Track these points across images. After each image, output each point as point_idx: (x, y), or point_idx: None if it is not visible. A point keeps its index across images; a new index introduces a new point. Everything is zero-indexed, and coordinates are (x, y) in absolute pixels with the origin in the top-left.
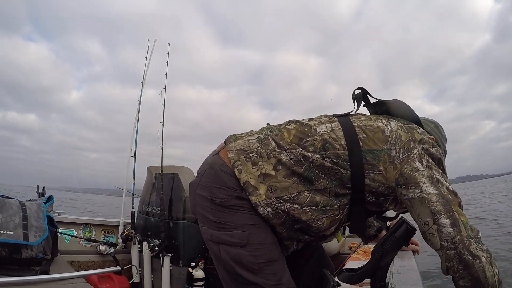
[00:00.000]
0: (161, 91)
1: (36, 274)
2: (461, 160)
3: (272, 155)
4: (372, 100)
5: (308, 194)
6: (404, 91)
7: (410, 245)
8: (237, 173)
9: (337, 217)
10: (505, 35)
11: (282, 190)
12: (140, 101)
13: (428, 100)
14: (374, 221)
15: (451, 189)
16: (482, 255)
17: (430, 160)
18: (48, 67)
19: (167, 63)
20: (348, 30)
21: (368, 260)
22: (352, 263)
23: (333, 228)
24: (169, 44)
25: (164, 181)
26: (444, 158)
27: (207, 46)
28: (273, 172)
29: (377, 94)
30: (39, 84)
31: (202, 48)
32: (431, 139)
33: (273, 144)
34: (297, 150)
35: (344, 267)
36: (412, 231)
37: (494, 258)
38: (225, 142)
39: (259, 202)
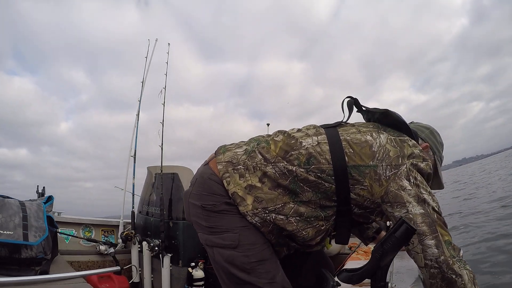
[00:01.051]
0: (161, 91)
1: (36, 274)
2: (454, 145)
3: (258, 168)
4: (364, 108)
5: (293, 206)
6: (390, 84)
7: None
8: (225, 184)
9: (322, 228)
10: (481, 17)
11: (268, 201)
12: (140, 101)
13: (415, 90)
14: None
15: (437, 208)
16: (464, 274)
17: (418, 176)
18: (34, 100)
19: (167, 63)
20: (327, 31)
21: (368, 260)
22: (352, 263)
23: (319, 238)
24: (169, 44)
25: (164, 181)
26: (441, 164)
27: (190, 64)
28: (259, 184)
29: (363, 90)
30: (27, 119)
31: (186, 66)
32: (423, 147)
33: (260, 157)
34: (281, 164)
35: (344, 267)
36: (412, 231)
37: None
38: (215, 153)
39: (246, 212)
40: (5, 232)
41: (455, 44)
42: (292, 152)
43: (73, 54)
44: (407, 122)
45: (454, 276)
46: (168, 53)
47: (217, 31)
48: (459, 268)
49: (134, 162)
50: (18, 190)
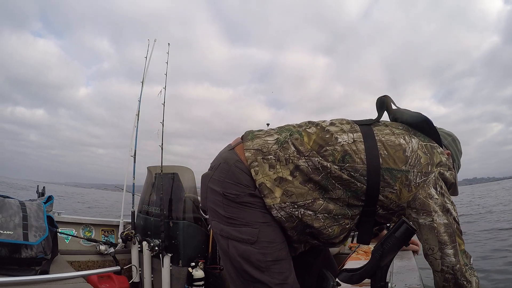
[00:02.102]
0: (161, 91)
1: (36, 274)
2: (467, 163)
3: (290, 160)
4: (394, 107)
5: (322, 202)
6: (412, 92)
7: (410, 245)
8: (253, 173)
9: (347, 226)
10: None
11: (298, 196)
12: (140, 101)
13: (436, 101)
14: None
15: (457, 219)
16: (473, 281)
17: (443, 186)
18: (57, 63)
19: (167, 63)
20: (356, 29)
21: (368, 260)
22: (352, 263)
23: (342, 237)
24: (169, 44)
25: (164, 181)
26: (458, 172)
27: (215, 44)
28: (290, 177)
29: (383, 93)
30: (48, 80)
31: (211, 46)
32: (447, 154)
33: (293, 148)
34: (316, 159)
35: (344, 267)
36: (412, 231)
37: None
38: (242, 138)
39: (273, 205)
40: (5, 232)
41: (483, 60)
42: (327, 148)
43: (99, 22)
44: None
45: (465, 283)
46: (168, 53)
47: (244, 15)
48: (470, 275)
49: (134, 162)
50: (32, 149)
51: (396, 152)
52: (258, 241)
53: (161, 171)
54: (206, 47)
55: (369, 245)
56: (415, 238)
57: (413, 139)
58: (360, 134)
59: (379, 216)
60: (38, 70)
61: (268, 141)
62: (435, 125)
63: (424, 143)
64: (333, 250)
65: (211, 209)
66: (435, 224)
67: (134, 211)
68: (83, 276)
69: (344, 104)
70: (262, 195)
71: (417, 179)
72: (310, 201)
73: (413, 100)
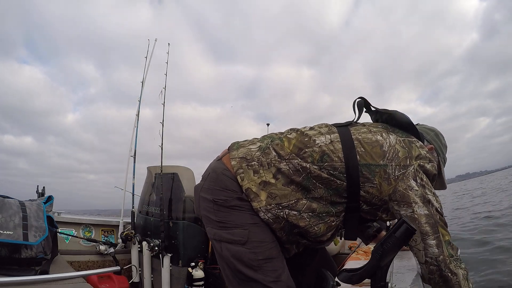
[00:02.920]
0: (161, 91)
1: (36, 274)
2: (458, 159)
3: (272, 164)
4: (373, 109)
5: (305, 202)
6: (398, 95)
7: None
8: (239, 180)
9: (333, 223)
10: (492, 33)
11: (281, 197)
12: (140, 101)
13: (422, 103)
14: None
15: (440, 209)
16: (459, 272)
17: (424, 177)
18: (43, 90)
19: (167, 63)
20: (338, 39)
21: (368, 260)
22: (352, 263)
23: (330, 234)
24: (169, 44)
25: (163, 181)
26: (444, 166)
27: (200, 63)
28: (273, 180)
29: (370, 100)
30: (35, 107)
31: (196, 65)
32: (429, 149)
33: (274, 153)
34: (296, 161)
35: (344, 267)
36: (412, 231)
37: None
38: (228, 149)
39: (260, 207)
40: (5, 232)
41: (465, 58)
42: (306, 150)
43: (84, 47)
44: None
45: (450, 274)
46: (168, 53)
47: (228, 33)
48: (455, 267)
49: (134, 162)
50: (21, 177)
51: (373, 148)
52: (249, 241)
53: (161, 171)
54: (191, 66)
55: (369, 245)
56: None
57: (390, 135)
58: (337, 134)
59: (365, 212)
60: (25, 98)
61: (252, 149)
62: (418, 122)
63: (402, 138)
64: (333, 250)
65: (204, 216)
66: (415, 215)
67: (134, 211)
68: (83, 276)
69: (333, 113)
70: (249, 199)
71: (396, 172)
72: (293, 201)
73: (400, 103)
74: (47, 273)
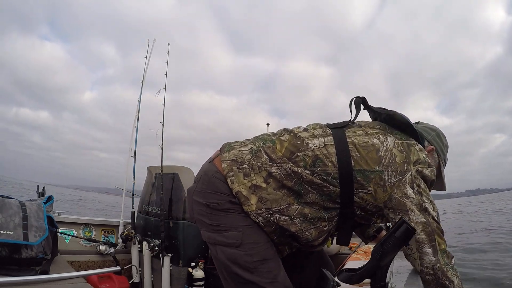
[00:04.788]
0: (159, 90)
1: (36, 274)
2: (470, 174)
3: (263, 168)
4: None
5: (297, 207)
6: (415, 102)
7: None
8: (229, 183)
9: (325, 229)
10: None
11: (272, 202)
12: (140, 101)
13: (439, 112)
14: None
15: (436, 218)
16: (456, 280)
17: (422, 184)
18: (63, 67)
19: (167, 63)
20: (359, 39)
21: (368, 260)
22: (352, 263)
23: (322, 239)
24: (169, 44)
25: (164, 181)
26: (444, 167)
27: (220, 53)
28: (263, 184)
29: (386, 103)
30: (53, 84)
31: (215, 55)
32: (429, 150)
33: (265, 156)
34: (287, 165)
35: (344, 267)
36: (412, 231)
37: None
38: (220, 150)
39: (250, 211)
40: (5, 232)
41: (486, 71)
42: (298, 154)
43: (106, 30)
44: (414, 122)
45: (447, 282)
46: (168, 53)
47: (249, 25)
48: (452, 275)
49: (134, 162)
50: (34, 150)
51: (369, 153)
52: (243, 244)
53: (161, 171)
54: (211, 55)
55: (369, 245)
56: None
57: (388, 138)
58: (331, 137)
59: (359, 218)
60: (44, 73)
61: (243, 151)
62: (418, 121)
63: (401, 141)
64: (333, 250)
65: (198, 219)
66: (412, 223)
67: (134, 211)
68: (83, 276)
69: (348, 114)
70: (240, 203)
71: (392, 178)
72: (284, 206)
73: (417, 110)
74: (47, 273)
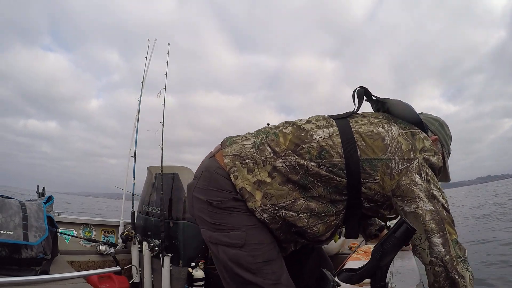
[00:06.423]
0: (160, 91)
1: (36, 274)
2: (480, 160)
3: (267, 162)
4: (374, 98)
5: (303, 201)
6: (421, 91)
7: (410, 245)
8: (233, 179)
9: (332, 223)
10: None
11: (278, 198)
12: (140, 101)
13: (445, 100)
14: (377, 219)
15: (446, 206)
16: (467, 275)
17: (429, 172)
18: (68, 76)
19: (167, 63)
20: (362, 32)
21: (368, 260)
22: (352, 263)
23: (329, 234)
24: (169, 44)
25: (164, 181)
26: (448, 157)
27: (224, 52)
28: (268, 180)
29: (393, 94)
30: (59, 93)
31: (219, 54)
32: (433, 140)
33: (269, 150)
34: (292, 158)
35: (344, 267)
36: (412, 231)
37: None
38: (221, 144)
39: (255, 208)
40: (5, 232)
41: (491, 56)
42: (303, 146)
43: (108, 36)
44: (417, 113)
45: (457, 277)
46: (168, 53)
47: (251, 23)
48: (462, 269)
49: (134, 162)
50: (44, 160)
51: (375, 141)
52: (246, 244)
53: (161, 171)
54: (215, 55)
55: (369, 245)
56: None
57: (393, 127)
58: (335, 128)
59: (366, 209)
60: (50, 84)
61: (245, 146)
62: (421, 111)
63: (405, 130)
64: (333, 250)
65: (198, 217)
66: (420, 211)
67: (134, 211)
68: (83, 276)
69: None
70: (244, 199)
71: (399, 166)
72: (290, 201)
73: (423, 99)
74: (47, 273)
